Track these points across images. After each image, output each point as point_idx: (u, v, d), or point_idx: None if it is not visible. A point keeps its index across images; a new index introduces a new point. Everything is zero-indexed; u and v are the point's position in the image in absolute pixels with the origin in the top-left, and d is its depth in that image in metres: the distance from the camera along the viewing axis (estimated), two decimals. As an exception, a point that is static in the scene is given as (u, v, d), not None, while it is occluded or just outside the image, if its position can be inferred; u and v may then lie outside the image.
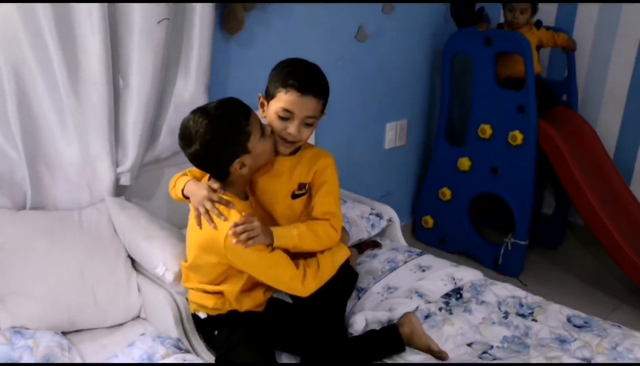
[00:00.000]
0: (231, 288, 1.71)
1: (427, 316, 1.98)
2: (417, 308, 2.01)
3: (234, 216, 1.60)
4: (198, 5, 2.08)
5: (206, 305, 1.74)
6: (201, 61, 2.15)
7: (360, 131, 3.12)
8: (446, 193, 3.29)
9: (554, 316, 1.99)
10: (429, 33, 3.30)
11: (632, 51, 3.22)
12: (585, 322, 1.95)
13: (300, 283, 1.68)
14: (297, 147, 1.78)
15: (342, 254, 1.82)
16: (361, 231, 2.38)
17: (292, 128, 1.68)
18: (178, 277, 1.80)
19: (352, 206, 2.47)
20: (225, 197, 1.64)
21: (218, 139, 1.57)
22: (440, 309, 2.03)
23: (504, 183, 3.08)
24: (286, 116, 1.67)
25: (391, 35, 3.07)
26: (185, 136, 1.61)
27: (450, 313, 2.01)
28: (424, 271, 2.24)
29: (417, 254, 2.37)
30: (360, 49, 2.94)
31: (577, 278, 3.17)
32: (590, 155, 3.19)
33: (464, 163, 3.18)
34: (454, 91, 3.32)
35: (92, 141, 1.97)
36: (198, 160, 1.63)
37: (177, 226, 2.02)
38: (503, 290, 2.14)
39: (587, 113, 3.35)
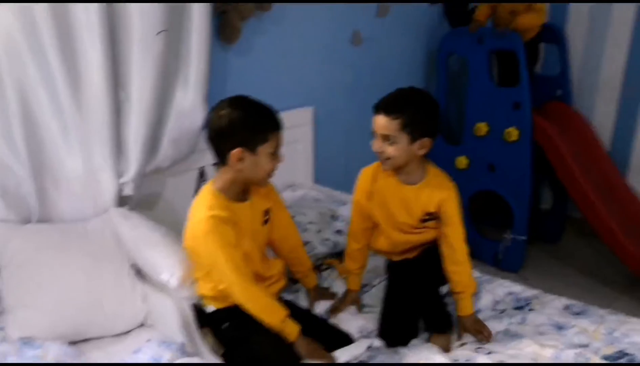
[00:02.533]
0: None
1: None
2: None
3: None
4: (195, 15, 2.12)
5: (208, 292, 1.80)
6: (199, 71, 2.19)
7: (359, 135, 3.13)
8: (445, 192, 3.32)
9: (551, 304, 2.01)
10: (424, 34, 3.34)
11: (624, 44, 3.26)
12: (583, 309, 1.98)
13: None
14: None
15: (277, 329, 1.75)
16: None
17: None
18: (182, 282, 1.83)
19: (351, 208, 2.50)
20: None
21: (239, 118, 1.68)
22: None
23: (502, 180, 3.12)
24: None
25: (386, 38, 3.11)
26: (221, 104, 1.73)
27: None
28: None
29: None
30: (356, 53, 2.98)
31: (577, 270, 3.20)
32: (586, 148, 3.23)
33: (462, 161, 3.22)
34: (450, 90, 3.36)
35: (95, 153, 2.01)
36: (213, 128, 1.72)
37: (179, 234, 2.06)
38: (500, 288, 2.14)
39: (582, 107, 3.40)
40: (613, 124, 3.40)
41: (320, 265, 2.27)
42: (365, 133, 3.16)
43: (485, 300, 2.09)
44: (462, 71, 3.29)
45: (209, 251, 1.71)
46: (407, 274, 2.02)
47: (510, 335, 1.89)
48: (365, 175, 2.02)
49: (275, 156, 1.74)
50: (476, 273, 2.25)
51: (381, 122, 1.84)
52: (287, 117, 2.61)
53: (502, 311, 2.03)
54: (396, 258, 2.09)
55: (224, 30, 2.34)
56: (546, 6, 3.19)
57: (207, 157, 2.39)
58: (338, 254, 2.35)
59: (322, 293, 2.09)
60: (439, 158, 3.30)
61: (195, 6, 2.11)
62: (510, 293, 2.12)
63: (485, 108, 3.10)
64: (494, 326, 1.94)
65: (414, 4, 3.21)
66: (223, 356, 1.81)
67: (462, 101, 3.26)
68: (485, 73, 3.07)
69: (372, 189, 1.99)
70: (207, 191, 1.77)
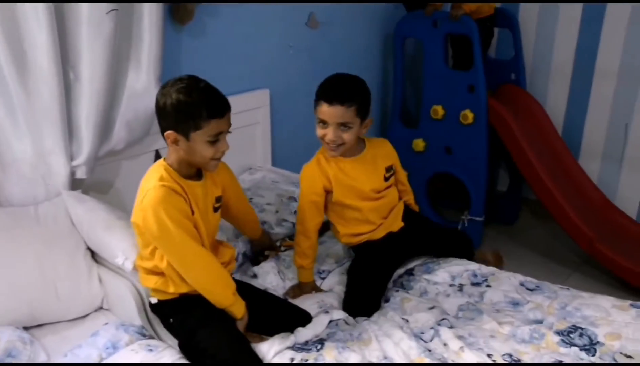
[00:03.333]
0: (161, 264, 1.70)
1: (387, 300, 2.03)
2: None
3: None
4: (146, -4, 2.09)
5: (149, 285, 1.75)
6: (152, 52, 2.16)
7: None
8: (403, 175, 3.35)
9: (507, 281, 2.06)
10: (380, 17, 3.35)
11: (574, 29, 3.34)
12: (537, 286, 2.03)
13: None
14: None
15: (228, 303, 1.73)
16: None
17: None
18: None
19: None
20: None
21: (176, 104, 1.61)
22: (397, 290, 2.08)
23: (458, 162, 3.16)
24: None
25: (342, 21, 3.11)
26: (171, 80, 1.67)
27: (407, 292, 2.06)
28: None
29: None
30: (312, 36, 2.98)
31: (532, 250, 3.27)
32: (539, 131, 3.29)
33: (419, 144, 3.25)
34: (407, 73, 3.39)
35: (45, 135, 1.97)
36: (156, 105, 1.67)
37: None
38: (456, 266, 2.17)
39: (535, 90, 3.47)
40: (565, 107, 3.48)
41: (279, 246, 2.27)
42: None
43: (442, 275, 2.12)
44: (419, 54, 3.32)
45: (158, 221, 1.60)
46: (378, 250, 2.12)
47: (470, 311, 1.92)
48: (311, 171, 2.04)
49: (214, 143, 1.67)
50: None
51: (338, 111, 1.91)
52: (243, 100, 2.63)
53: (461, 288, 2.06)
54: (380, 234, 2.12)
55: (177, 11, 2.30)
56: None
57: (162, 140, 2.36)
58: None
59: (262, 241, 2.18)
60: (397, 141, 3.33)
61: (147, -15, 2.07)
62: (467, 270, 2.15)
63: (441, 91, 3.13)
64: (455, 300, 1.98)
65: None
66: (179, 346, 1.76)
67: (419, 84, 3.29)
68: (440, 56, 3.10)
69: (326, 180, 2.03)
70: (159, 165, 1.72)
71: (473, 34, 2.96)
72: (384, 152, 2.15)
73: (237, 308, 1.73)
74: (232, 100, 2.59)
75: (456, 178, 3.22)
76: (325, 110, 1.92)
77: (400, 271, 2.18)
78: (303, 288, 2.08)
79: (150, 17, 2.11)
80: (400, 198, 2.23)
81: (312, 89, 3.03)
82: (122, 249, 1.83)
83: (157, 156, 2.35)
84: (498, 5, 3.39)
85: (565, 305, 1.88)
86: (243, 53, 2.66)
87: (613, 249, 2.86)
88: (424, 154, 3.26)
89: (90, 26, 1.94)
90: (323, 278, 2.16)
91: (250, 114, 2.68)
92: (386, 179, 2.12)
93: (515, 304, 1.94)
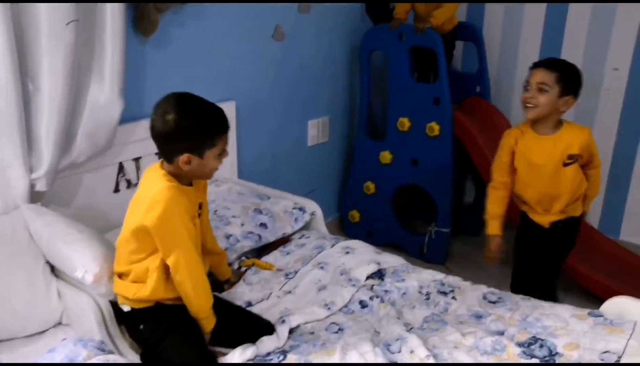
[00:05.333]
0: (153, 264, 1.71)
1: (364, 306, 2.03)
2: (351, 298, 2.06)
3: None
4: (108, 7, 2.06)
5: (127, 295, 1.74)
6: (114, 64, 2.13)
7: (283, 129, 3.16)
8: (370, 187, 3.37)
9: (471, 294, 2.08)
10: (346, 30, 3.37)
11: (536, 42, 3.41)
12: (499, 297, 2.05)
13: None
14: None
15: (204, 315, 1.77)
16: (285, 226, 2.42)
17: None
18: (98, 279, 1.78)
19: (276, 201, 2.50)
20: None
21: (187, 126, 1.64)
22: (371, 297, 2.08)
23: (425, 174, 3.19)
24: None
25: (309, 34, 3.13)
26: (166, 105, 1.65)
27: (382, 301, 2.07)
28: (348, 253, 2.30)
29: (344, 240, 2.43)
30: (278, 48, 2.98)
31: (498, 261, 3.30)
32: (504, 143, 3.33)
33: (386, 156, 3.27)
34: (374, 86, 3.41)
35: (3, 147, 1.93)
36: (158, 131, 1.66)
37: (97, 229, 2.01)
38: (425, 274, 2.21)
39: (500, 103, 3.52)
40: (529, 119, 3.54)
41: (239, 268, 2.25)
42: (289, 126, 3.19)
43: (412, 284, 2.14)
44: (386, 67, 3.35)
45: (168, 216, 1.64)
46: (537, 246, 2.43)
47: (435, 322, 1.94)
48: (509, 135, 2.35)
49: (221, 155, 1.74)
50: (402, 260, 2.32)
51: (540, 73, 2.19)
52: (209, 112, 2.62)
53: (428, 296, 2.08)
54: (538, 218, 2.38)
55: (140, 22, 2.29)
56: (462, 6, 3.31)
57: (126, 152, 2.36)
58: (262, 249, 2.35)
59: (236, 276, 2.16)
60: (364, 153, 3.38)
61: (109, -4, 2.06)
62: (434, 280, 2.18)
63: (408, 104, 3.16)
64: (421, 312, 2.00)
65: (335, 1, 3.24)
66: (141, 356, 1.78)
67: (386, 97, 3.31)
68: (406, 69, 3.13)
69: (516, 144, 2.31)
70: (160, 173, 1.72)
71: (438, 48, 3.00)
72: (577, 137, 2.25)
73: (209, 322, 1.77)
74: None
75: (423, 190, 3.24)
76: (532, 73, 2.21)
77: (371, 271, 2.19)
78: (492, 241, 2.44)
79: (112, 28, 2.09)
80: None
81: (278, 100, 3.06)
82: (82, 263, 1.80)
83: (121, 168, 2.33)
84: (462, 19, 3.46)
85: (526, 315, 1.90)
86: (209, 65, 2.65)
87: (578, 260, 2.90)
88: (391, 166, 3.28)
89: (50, 37, 1.91)
90: (290, 278, 2.16)
91: (216, 126, 2.67)
92: (564, 164, 2.26)
93: (479, 317, 1.96)
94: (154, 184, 1.70)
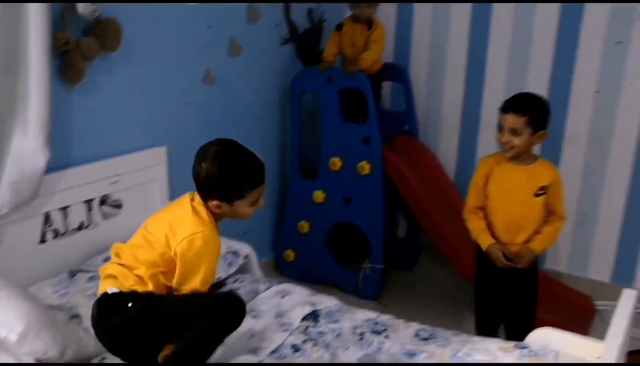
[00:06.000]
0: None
1: (296, 350, 2.03)
2: (283, 342, 2.05)
3: None
4: (32, 55, 2.04)
5: (123, 283, 1.71)
6: (39, 113, 2.10)
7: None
8: (304, 226, 3.40)
9: (403, 332, 2.12)
10: (277, 72, 3.42)
11: (460, 82, 3.55)
12: (431, 334, 2.10)
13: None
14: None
15: None
16: (219, 271, 2.40)
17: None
18: (22, 337, 1.72)
19: (208, 246, 2.49)
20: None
21: (216, 177, 1.71)
22: (304, 341, 2.09)
23: (357, 212, 3.24)
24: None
25: (239, 77, 3.15)
26: (206, 151, 1.75)
27: (315, 345, 2.08)
28: (283, 297, 2.31)
29: (278, 284, 2.44)
30: (210, 93, 3.00)
31: (431, 294, 3.38)
32: (433, 178, 3.44)
33: (319, 196, 3.31)
34: (306, 126, 3.47)
35: None
36: (193, 175, 1.76)
37: (21, 284, 1.95)
38: (358, 314, 2.24)
39: (428, 140, 3.64)
40: (456, 155, 3.67)
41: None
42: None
43: (345, 325, 2.16)
44: (317, 108, 3.41)
45: (206, 253, 1.72)
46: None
47: (369, 360, 1.96)
48: (485, 162, 2.48)
49: (255, 203, 1.78)
50: (336, 301, 2.34)
51: (510, 119, 2.31)
52: (139, 158, 2.60)
53: (362, 336, 2.10)
54: (505, 241, 2.44)
55: (66, 70, 2.26)
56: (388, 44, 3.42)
57: (53, 202, 2.30)
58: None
59: None
60: (297, 193, 3.41)
61: (33, 45, 2.03)
62: (367, 320, 2.21)
63: (338, 144, 3.22)
64: (354, 353, 2.01)
65: (265, 44, 3.28)
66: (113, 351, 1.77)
67: (318, 137, 3.37)
68: (336, 110, 3.20)
69: (491, 172, 2.44)
70: (201, 206, 1.78)
71: (366, 89, 3.09)
72: (547, 172, 2.40)
73: None
74: (127, 159, 2.57)
75: (356, 227, 3.29)
76: (503, 117, 2.33)
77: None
78: (493, 249, 2.43)
79: (36, 77, 2.06)
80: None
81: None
82: (5, 321, 1.74)
83: (47, 219, 2.27)
84: (389, 60, 3.58)
85: (457, 351, 1.96)
86: (138, 111, 2.63)
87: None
88: (324, 205, 3.32)
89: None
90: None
91: (147, 172, 2.64)
92: (536, 195, 2.38)
93: (412, 355, 1.99)
94: (196, 217, 1.75)
